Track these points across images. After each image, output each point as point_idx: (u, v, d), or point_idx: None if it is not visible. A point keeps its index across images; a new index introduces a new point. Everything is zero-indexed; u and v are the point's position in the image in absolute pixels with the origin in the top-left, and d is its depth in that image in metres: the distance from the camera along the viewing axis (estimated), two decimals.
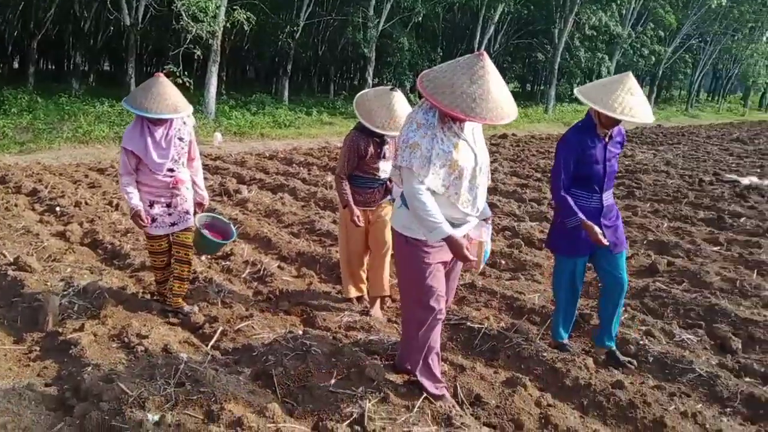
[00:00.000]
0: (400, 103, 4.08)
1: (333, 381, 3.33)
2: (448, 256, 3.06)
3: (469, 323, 4.26)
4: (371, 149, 4.21)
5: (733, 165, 12.70)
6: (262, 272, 5.24)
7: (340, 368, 3.47)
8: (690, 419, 3.23)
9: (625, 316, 4.51)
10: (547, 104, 26.60)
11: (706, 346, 4.12)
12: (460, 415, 3.07)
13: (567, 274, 3.87)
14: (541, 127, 21.82)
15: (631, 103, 3.38)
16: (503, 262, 5.82)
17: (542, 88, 33.15)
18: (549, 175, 10.72)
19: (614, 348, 3.92)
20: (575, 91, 3.61)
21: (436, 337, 3.23)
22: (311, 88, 30.74)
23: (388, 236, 4.37)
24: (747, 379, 3.68)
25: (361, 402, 3.13)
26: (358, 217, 4.23)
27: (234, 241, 5.56)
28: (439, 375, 3.28)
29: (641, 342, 4.02)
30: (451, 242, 2.86)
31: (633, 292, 4.96)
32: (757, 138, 19.17)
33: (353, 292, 4.60)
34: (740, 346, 4.08)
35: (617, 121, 3.53)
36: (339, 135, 16.05)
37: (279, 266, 5.44)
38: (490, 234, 3.25)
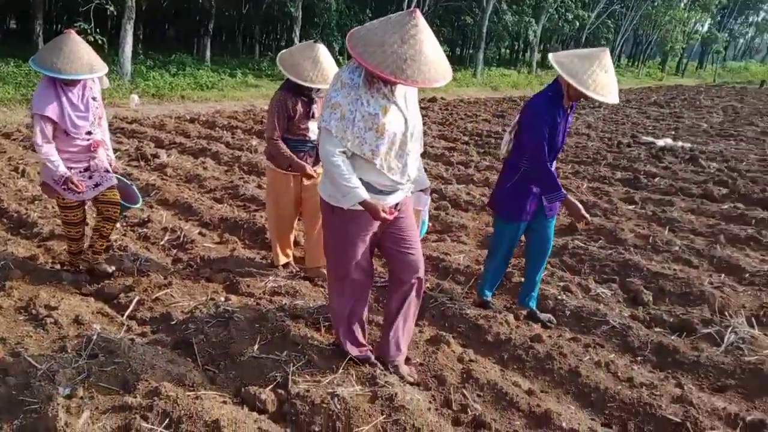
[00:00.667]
0: (326, 56, 3.97)
1: (256, 347, 3.30)
2: (372, 225, 2.98)
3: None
4: (300, 108, 4.06)
5: (650, 128, 13.29)
6: (182, 239, 5.09)
7: (263, 334, 3.44)
8: (603, 368, 3.40)
9: (546, 273, 4.67)
10: (475, 68, 26.86)
11: (619, 300, 4.34)
12: (384, 374, 3.10)
13: (508, 238, 3.88)
14: (470, 91, 22.06)
15: (603, 82, 3.32)
16: (430, 224, 5.89)
17: (471, 52, 33.40)
18: (476, 139, 10.89)
19: (534, 308, 4.06)
20: (550, 57, 3.47)
21: (359, 307, 3.19)
22: (236, 48, 29.75)
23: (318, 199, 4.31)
24: (657, 330, 3.91)
25: (285, 366, 3.12)
26: (310, 168, 4.10)
27: (142, 207, 5.36)
28: (362, 339, 3.26)
29: (559, 297, 4.18)
30: (366, 206, 2.80)
31: (553, 250, 5.13)
32: (672, 101, 20.12)
33: (282, 259, 4.54)
34: (651, 299, 4.32)
35: (583, 96, 3.43)
36: (265, 98, 15.66)
37: (200, 233, 5.30)
38: (428, 205, 3.19)
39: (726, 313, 4.05)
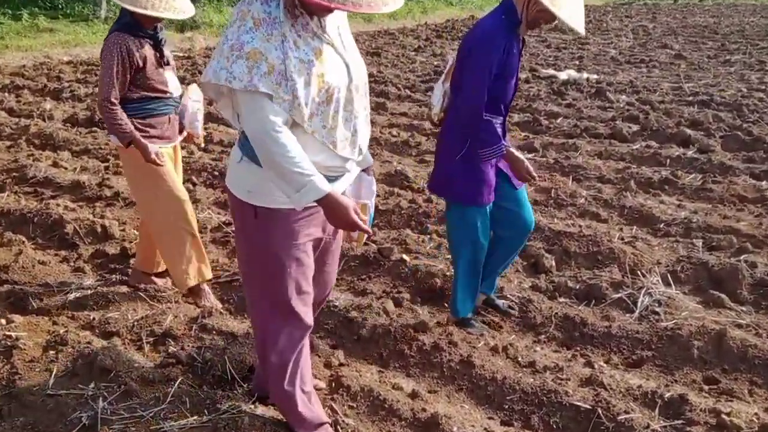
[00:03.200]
0: None
1: (52, 381, 3.12)
2: (319, 230, 2.61)
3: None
4: (148, 53, 3.64)
5: (551, 58, 13.88)
6: None
7: (62, 363, 3.25)
8: (501, 354, 3.51)
9: (431, 244, 4.74)
10: None
11: (518, 269, 4.49)
12: (229, 396, 3.02)
13: (473, 227, 3.52)
14: None
15: (574, 6, 3.11)
16: None
17: None
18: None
19: (493, 295, 3.99)
20: None
21: (304, 356, 2.77)
22: None
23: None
24: (561, 300, 4.08)
25: (93, 402, 2.97)
26: (156, 154, 3.66)
27: None
28: (316, 409, 2.85)
29: (448, 273, 4.25)
30: (331, 204, 2.33)
31: (440, 215, 5.22)
32: None
33: (195, 277, 3.92)
34: (554, 264, 4.50)
35: (547, 21, 3.22)
36: (64, 46, 14.69)
37: None
38: (374, 190, 2.80)
39: (639, 273, 4.31)
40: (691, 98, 9.49)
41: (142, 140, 3.64)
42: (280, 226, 2.48)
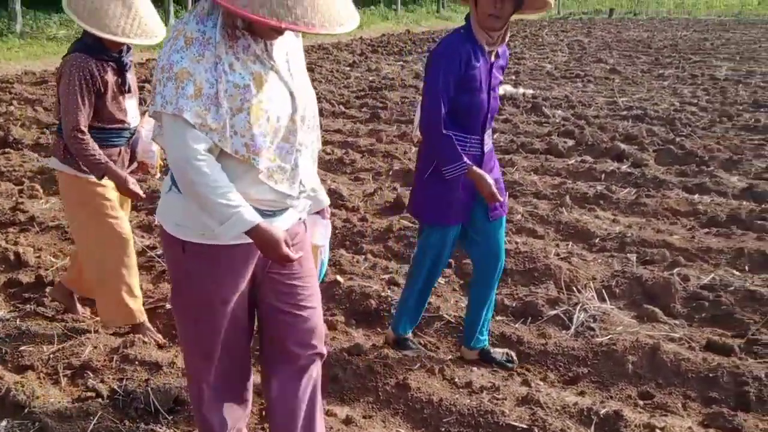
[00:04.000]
0: None
1: None
2: (251, 268, 2.44)
3: (168, 305, 4.13)
4: (110, 79, 3.45)
5: None
6: None
7: None
8: (437, 375, 3.54)
9: (366, 264, 4.76)
10: None
11: (455, 288, 4.55)
12: (153, 430, 2.97)
13: (435, 249, 3.52)
14: None
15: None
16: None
17: None
18: None
19: (488, 346, 3.78)
20: None
21: (238, 402, 2.67)
22: None
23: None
24: (498, 318, 4.14)
25: None
26: (134, 183, 3.48)
27: None
28: None
29: (383, 294, 4.28)
30: (260, 236, 2.22)
31: (375, 235, 5.25)
32: (512, 40, 21.59)
33: (138, 315, 3.79)
34: None
35: (501, 29, 3.21)
36: None
37: None
38: (329, 235, 2.76)
39: (575, 289, 4.41)
40: (625, 112, 9.80)
41: (119, 170, 3.45)
42: (210, 263, 2.35)
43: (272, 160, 2.28)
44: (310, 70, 14.08)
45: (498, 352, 3.74)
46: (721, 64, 14.90)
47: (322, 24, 1.97)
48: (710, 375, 3.47)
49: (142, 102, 7.76)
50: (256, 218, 2.19)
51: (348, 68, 14.76)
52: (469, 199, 3.42)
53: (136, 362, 3.52)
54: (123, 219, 3.68)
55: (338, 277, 4.48)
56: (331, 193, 6.22)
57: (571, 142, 8.15)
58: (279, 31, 2.17)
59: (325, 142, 8.31)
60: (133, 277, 3.72)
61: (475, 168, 3.28)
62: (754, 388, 3.36)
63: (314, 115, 2.44)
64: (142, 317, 3.80)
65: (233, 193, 2.17)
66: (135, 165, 3.78)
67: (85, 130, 3.37)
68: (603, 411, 3.20)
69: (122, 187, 3.45)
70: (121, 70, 3.51)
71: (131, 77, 3.62)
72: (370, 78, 13.25)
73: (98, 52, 3.41)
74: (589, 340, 3.82)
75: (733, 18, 32.24)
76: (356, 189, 6.49)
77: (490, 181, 3.28)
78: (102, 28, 3.26)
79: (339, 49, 18.44)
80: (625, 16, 34.89)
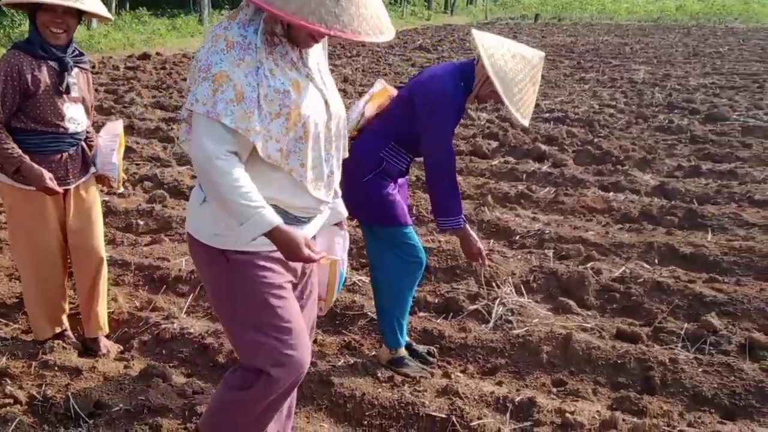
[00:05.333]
0: None
1: None
2: (296, 272, 2.47)
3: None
4: (44, 77, 3.32)
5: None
6: None
7: None
8: (361, 371, 3.62)
9: None
10: (200, 12, 26.46)
11: None
12: None
13: (414, 246, 3.52)
14: (196, 42, 21.70)
15: (529, 99, 3.26)
16: (141, 222, 5.72)
17: None
18: None
19: (410, 340, 3.83)
20: (475, 34, 3.25)
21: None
22: None
23: (100, 243, 3.69)
24: (421, 315, 4.25)
25: None
26: (51, 179, 3.34)
27: None
28: None
29: None
30: (281, 237, 2.20)
31: None
32: (440, 45, 21.91)
33: (47, 330, 3.74)
34: None
35: (486, 102, 3.46)
36: None
37: None
38: (347, 247, 2.75)
39: (495, 284, 4.56)
40: (547, 115, 10.10)
41: (34, 165, 3.31)
42: (255, 266, 2.34)
43: (311, 167, 2.31)
44: None
45: (422, 348, 3.83)
46: (639, 68, 15.45)
47: (367, 32, 2.04)
48: (619, 362, 3.66)
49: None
50: (276, 219, 2.18)
51: None
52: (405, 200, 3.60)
53: (56, 368, 3.50)
54: (43, 230, 3.51)
55: None
56: None
57: (494, 144, 8.36)
58: (316, 39, 2.24)
59: None
60: (50, 292, 3.66)
61: (468, 227, 3.48)
62: (658, 373, 3.56)
63: (344, 124, 2.50)
64: (54, 332, 3.76)
65: (255, 193, 2.16)
66: (90, 175, 3.65)
67: (2, 126, 3.27)
68: (518, 399, 3.34)
69: (38, 184, 3.33)
70: (62, 70, 3.38)
71: (79, 81, 3.48)
72: None
73: (36, 48, 3.30)
74: (506, 333, 3.96)
75: (652, 23, 33.42)
76: None
77: (478, 242, 3.51)
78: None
79: None
80: (550, 21, 35.77)
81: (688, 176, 7.06)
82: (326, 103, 2.35)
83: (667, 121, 9.57)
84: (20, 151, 3.30)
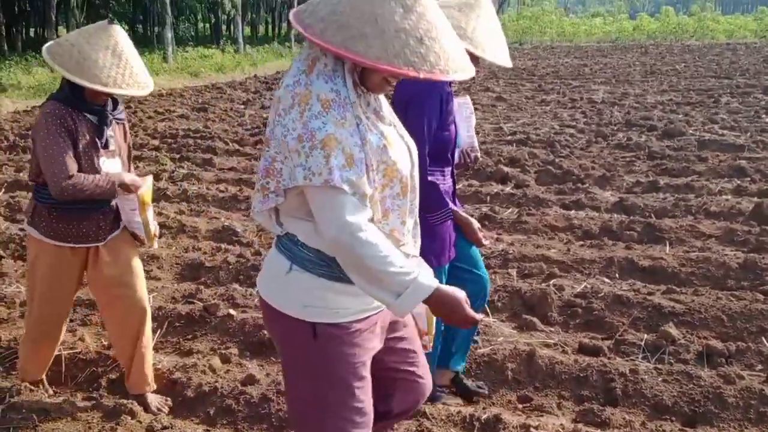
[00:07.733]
0: (127, 42, 3.24)
1: None
2: (379, 339, 2.26)
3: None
4: (84, 132, 3.21)
5: None
6: None
7: None
8: None
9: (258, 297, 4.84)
10: (165, 50, 26.50)
11: None
12: None
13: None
14: (161, 80, 21.69)
15: (495, 44, 3.04)
16: None
17: (157, 30, 32.89)
18: (170, 142, 10.77)
19: (462, 372, 3.74)
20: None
21: None
22: None
23: (142, 293, 3.53)
24: None
25: None
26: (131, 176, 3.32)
27: None
28: None
29: None
30: (441, 299, 2.01)
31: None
32: None
33: (32, 373, 3.70)
34: None
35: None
36: None
37: None
38: None
39: None
40: (509, 137, 10.26)
41: (115, 178, 3.23)
42: (344, 342, 2.13)
43: (402, 222, 2.13)
44: (203, 109, 14.11)
45: (471, 383, 3.72)
46: (599, 88, 15.80)
47: (455, 70, 1.90)
48: (581, 375, 3.74)
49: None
50: (434, 281, 2.00)
51: (242, 106, 14.81)
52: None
53: (24, 410, 3.48)
54: (65, 279, 3.43)
55: (231, 311, 4.54)
56: (225, 230, 6.30)
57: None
58: (390, 83, 2.06)
59: (218, 180, 8.38)
60: (48, 345, 3.65)
61: (459, 213, 3.30)
62: (620, 384, 3.64)
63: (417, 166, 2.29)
64: (41, 377, 3.75)
65: (402, 258, 1.98)
66: (121, 229, 3.47)
67: (73, 174, 3.12)
68: (484, 416, 3.39)
69: (135, 187, 3.29)
70: (101, 125, 3.27)
71: (116, 134, 3.37)
72: (264, 115, 13.34)
73: (75, 103, 3.21)
74: (472, 353, 4.02)
75: (610, 44, 34.13)
76: (250, 224, 6.56)
77: (476, 224, 3.38)
78: (91, 79, 3.06)
79: (233, 87, 18.52)
80: (512, 45, 36.36)
81: (647, 191, 7.24)
82: (409, 150, 2.18)
83: (625, 138, 9.79)
84: (106, 173, 3.23)
